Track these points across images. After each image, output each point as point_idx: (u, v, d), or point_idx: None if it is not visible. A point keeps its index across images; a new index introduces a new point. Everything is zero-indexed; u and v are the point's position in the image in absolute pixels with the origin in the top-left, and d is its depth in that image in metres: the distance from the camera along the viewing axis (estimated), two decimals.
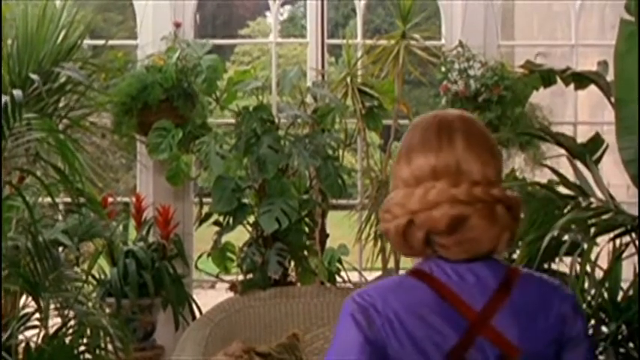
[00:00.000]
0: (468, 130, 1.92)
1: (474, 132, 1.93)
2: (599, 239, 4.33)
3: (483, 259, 1.88)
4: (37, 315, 4.05)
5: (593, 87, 5.08)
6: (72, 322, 4.12)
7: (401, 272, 1.88)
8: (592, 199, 4.40)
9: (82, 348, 4.00)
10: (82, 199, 4.13)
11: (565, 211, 4.55)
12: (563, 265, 4.99)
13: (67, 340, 3.92)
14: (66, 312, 3.99)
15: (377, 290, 1.85)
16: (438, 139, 1.90)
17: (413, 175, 1.89)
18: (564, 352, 1.88)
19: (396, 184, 1.94)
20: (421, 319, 1.79)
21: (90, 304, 4.42)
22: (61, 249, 4.85)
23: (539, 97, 6.05)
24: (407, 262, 6.42)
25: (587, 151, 4.62)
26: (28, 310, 4.16)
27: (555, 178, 4.74)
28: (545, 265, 4.98)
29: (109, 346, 4.28)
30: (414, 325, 1.78)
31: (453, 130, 1.92)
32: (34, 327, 4.06)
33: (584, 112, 7.03)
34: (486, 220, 1.83)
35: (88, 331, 3.98)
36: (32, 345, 3.83)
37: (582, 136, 5.88)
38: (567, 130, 6.05)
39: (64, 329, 3.97)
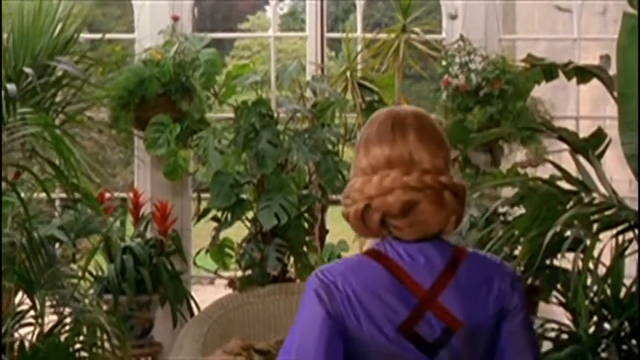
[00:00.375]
0: (419, 124, 2.12)
1: (425, 126, 2.12)
2: (601, 235, 4.29)
3: (433, 240, 2.08)
4: (32, 312, 4.01)
5: (595, 81, 5.05)
6: (68, 320, 4.08)
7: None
8: (595, 195, 4.36)
9: (77, 346, 3.96)
10: (77, 195, 4.08)
11: (567, 206, 4.52)
12: (566, 261, 4.98)
13: (63, 338, 3.88)
14: (62, 309, 3.93)
15: (338, 269, 2.04)
16: (392, 133, 2.09)
17: (370, 164, 2.08)
18: (503, 322, 2.07)
19: (355, 172, 2.12)
20: (376, 296, 1.98)
21: (87, 301, 4.37)
22: (59, 245, 4.83)
23: (541, 91, 6.02)
24: None
25: (590, 146, 4.58)
26: (23, 307, 4.11)
27: (557, 173, 4.71)
28: (547, 262, 4.96)
29: (106, 344, 4.24)
30: (369, 301, 1.97)
31: (406, 124, 2.11)
32: (30, 325, 4.02)
33: (586, 107, 6.98)
34: (435, 204, 2.03)
35: (85, 329, 3.93)
36: (27, 343, 3.79)
37: (584, 130, 5.82)
38: (569, 125, 6.00)
39: (59, 327, 3.92)
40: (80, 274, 4.65)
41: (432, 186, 2.04)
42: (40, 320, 3.93)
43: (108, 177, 6.53)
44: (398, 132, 2.10)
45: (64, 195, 5.13)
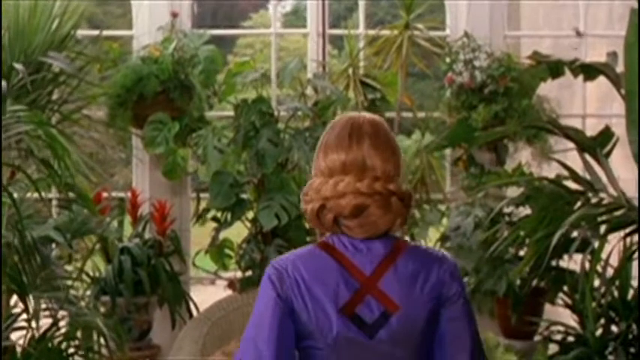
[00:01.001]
0: (374, 132, 2.33)
1: (379, 134, 2.33)
2: (610, 236, 4.24)
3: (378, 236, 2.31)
4: (25, 316, 3.94)
5: (602, 78, 5.00)
6: (63, 323, 4.02)
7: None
8: (603, 195, 4.31)
9: (71, 350, 3.89)
10: (71, 195, 4.01)
11: (574, 207, 4.47)
12: (572, 262, 4.93)
13: (57, 341, 3.81)
14: (55, 312, 3.87)
15: (290, 258, 2.30)
16: (349, 139, 2.31)
17: (327, 167, 2.31)
18: (442, 309, 2.28)
19: (315, 172, 2.35)
20: (321, 280, 2.23)
21: (83, 303, 4.32)
22: (55, 246, 4.77)
23: (546, 89, 5.98)
24: None
25: (597, 145, 4.53)
26: (17, 310, 4.05)
27: (563, 172, 4.66)
28: (553, 262, 4.91)
29: (103, 348, 4.19)
30: (315, 285, 2.22)
31: (362, 132, 2.32)
32: (22, 328, 3.95)
33: (592, 105, 6.92)
34: (382, 209, 2.25)
35: (80, 332, 3.86)
36: (19, 348, 3.73)
37: (590, 129, 5.78)
38: (575, 124, 5.95)
39: (52, 330, 3.85)
40: (76, 275, 4.60)
41: (381, 192, 2.25)
42: (32, 323, 3.86)
43: (107, 176, 6.46)
44: (354, 138, 2.31)
45: (60, 195, 5.05)
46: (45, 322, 4.06)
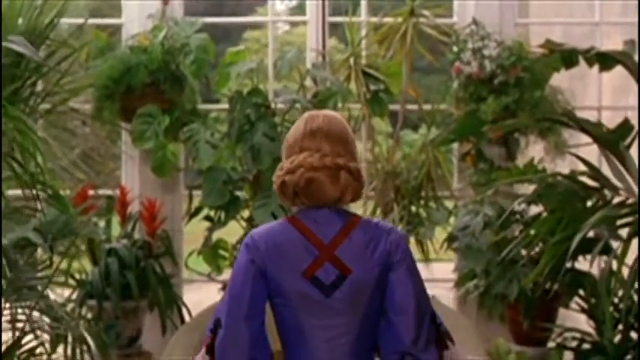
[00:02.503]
0: (327, 126, 2.82)
1: (332, 127, 2.82)
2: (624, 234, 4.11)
3: (336, 209, 2.80)
4: None
5: (615, 69, 4.89)
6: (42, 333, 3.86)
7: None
8: (621, 192, 4.16)
9: None
10: (41, 193, 3.83)
11: (590, 204, 4.35)
12: (587, 263, 4.80)
13: (27, 354, 3.63)
14: (22, 324, 3.69)
15: (263, 229, 2.81)
16: (304, 128, 2.82)
17: (289, 153, 2.81)
18: (390, 273, 2.75)
19: (283, 157, 2.83)
20: (288, 249, 2.73)
21: (67, 308, 4.16)
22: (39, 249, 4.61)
23: (557, 80, 5.89)
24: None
25: (617, 139, 4.38)
26: None
27: (577, 168, 4.54)
28: (568, 264, 4.77)
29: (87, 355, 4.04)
30: (283, 253, 2.72)
31: (317, 125, 2.82)
32: None
33: (606, 97, 6.78)
34: (330, 179, 2.74)
35: (48, 345, 3.69)
36: None
37: (605, 122, 5.65)
38: (590, 117, 5.82)
39: (16, 345, 3.66)
40: (48, 280, 4.42)
41: (329, 166, 2.73)
42: None
43: (95, 173, 6.32)
44: (309, 130, 2.81)
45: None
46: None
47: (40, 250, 4.59)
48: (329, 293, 2.70)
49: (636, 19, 5.49)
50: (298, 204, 2.82)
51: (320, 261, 2.70)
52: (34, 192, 3.75)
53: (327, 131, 2.80)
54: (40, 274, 4.42)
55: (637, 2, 5.81)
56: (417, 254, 6.11)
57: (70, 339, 4.18)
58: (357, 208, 6.14)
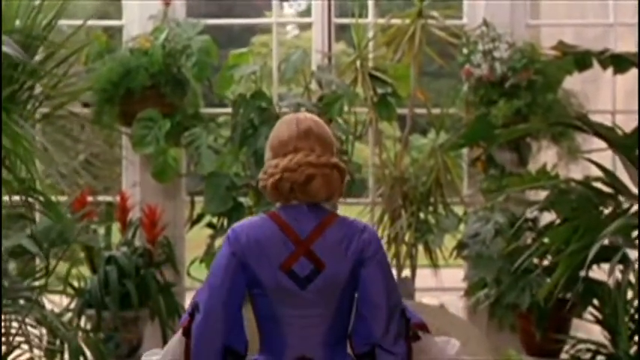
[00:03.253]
0: (316, 127, 3.01)
1: (320, 129, 3.01)
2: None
3: (315, 207, 2.98)
4: None
5: (628, 72, 4.84)
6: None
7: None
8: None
9: None
10: (32, 200, 3.76)
11: (604, 210, 4.28)
12: (602, 272, 4.74)
13: None
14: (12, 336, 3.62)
15: (245, 224, 2.98)
16: (297, 131, 2.98)
17: (282, 151, 2.96)
18: (362, 269, 2.93)
19: (269, 156, 3.00)
20: (267, 243, 2.90)
21: (60, 320, 4.08)
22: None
23: (568, 84, 5.85)
24: (424, 274, 6.22)
25: (632, 144, 4.30)
26: None
27: (591, 174, 4.47)
28: (582, 273, 4.71)
29: None
30: (262, 246, 2.90)
31: (308, 126, 3.00)
32: None
33: (618, 100, 6.71)
34: (325, 179, 2.93)
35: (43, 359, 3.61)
36: None
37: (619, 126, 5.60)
38: (604, 121, 5.76)
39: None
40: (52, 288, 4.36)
41: (326, 164, 2.93)
42: None
43: (99, 179, 6.27)
44: (302, 132, 2.98)
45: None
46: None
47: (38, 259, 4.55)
48: (304, 286, 2.89)
49: None
50: (289, 200, 2.99)
51: (296, 255, 2.89)
52: (24, 198, 3.67)
53: (318, 133, 3.00)
54: (35, 283, 4.36)
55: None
56: (425, 261, 6.06)
57: (66, 351, 4.09)
58: (363, 215, 6.09)
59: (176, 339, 2.86)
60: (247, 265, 2.89)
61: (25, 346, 3.84)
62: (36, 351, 3.96)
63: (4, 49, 3.94)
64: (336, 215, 3.02)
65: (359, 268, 2.94)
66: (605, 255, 4.34)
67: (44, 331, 3.77)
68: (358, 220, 3.07)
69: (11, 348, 3.68)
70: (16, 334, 3.64)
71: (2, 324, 3.76)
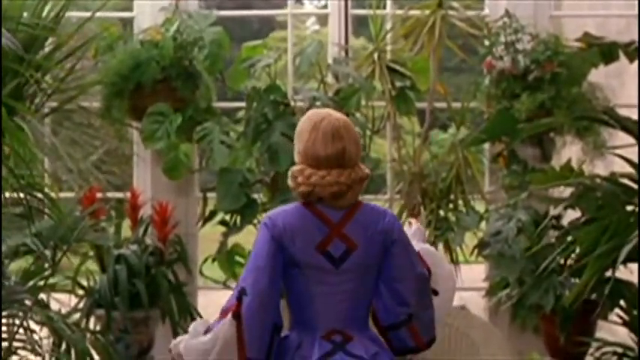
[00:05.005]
0: (346, 130, 3.23)
1: (350, 131, 3.25)
2: None
3: None
4: None
5: None
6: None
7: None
8: None
9: None
10: (28, 196, 3.68)
11: (631, 207, 4.21)
12: (629, 272, 4.68)
13: None
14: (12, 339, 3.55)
15: (280, 211, 3.26)
16: (332, 138, 3.20)
17: (314, 159, 3.20)
18: (390, 249, 3.26)
19: (301, 160, 3.24)
20: (303, 227, 3.18)
21: (65, 321, 4.02)
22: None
23: (592, 79, 5.79)
24: None
25: None
26: None
27: (617, 169, 4.39)
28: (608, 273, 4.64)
29: None
30: (298, 230, 3.18)
31: (341, 131, 3.22)
32: None
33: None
34: (354, 192, 3.23)
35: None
36: None
37: None
38: (632, 115, 5.69)
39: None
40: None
41: (356, 180, 3.21)
42: None
43: (113, 175, 6.23)
44: (336, 137, 3.20)
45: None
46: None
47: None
48: (338, 265, 3.21)
49: None
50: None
51: (330, 237, 3.20)
52: (25, 196, 3.60)
53: (348, 138, 3.23)
54: (41, 283, 4.30)
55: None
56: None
57: (73, 353, 4.04)
58: None
59: (226, 323, 3.02)
60: (285, 247, 3.18)
61: (24, 352, 3.76)
62: (37, 357, 3.89)
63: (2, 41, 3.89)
64: (362, 202, 3.34)
65: (386, 248, 3.27)
66: (632, 255, 4.27)
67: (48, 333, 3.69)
68: (377, 205, 3.44)
69: (10, 353, 3.60)
70: (14, 338, 3.55)
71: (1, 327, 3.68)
